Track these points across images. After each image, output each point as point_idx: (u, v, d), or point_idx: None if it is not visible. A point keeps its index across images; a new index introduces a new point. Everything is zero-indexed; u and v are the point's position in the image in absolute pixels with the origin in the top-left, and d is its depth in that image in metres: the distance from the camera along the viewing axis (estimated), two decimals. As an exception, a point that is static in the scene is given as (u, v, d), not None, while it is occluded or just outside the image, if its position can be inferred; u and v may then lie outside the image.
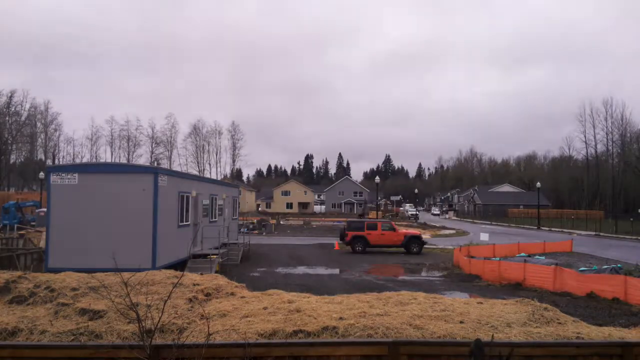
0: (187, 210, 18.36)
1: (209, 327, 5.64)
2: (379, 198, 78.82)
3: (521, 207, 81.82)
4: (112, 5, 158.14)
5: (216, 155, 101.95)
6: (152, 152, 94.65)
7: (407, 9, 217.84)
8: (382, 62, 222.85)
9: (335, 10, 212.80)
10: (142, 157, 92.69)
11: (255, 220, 49.44)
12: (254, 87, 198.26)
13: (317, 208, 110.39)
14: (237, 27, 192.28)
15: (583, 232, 46.71)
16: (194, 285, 9.06)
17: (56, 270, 11.17)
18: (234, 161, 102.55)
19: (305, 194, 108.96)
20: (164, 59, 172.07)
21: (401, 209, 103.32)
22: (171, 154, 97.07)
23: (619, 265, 18.22)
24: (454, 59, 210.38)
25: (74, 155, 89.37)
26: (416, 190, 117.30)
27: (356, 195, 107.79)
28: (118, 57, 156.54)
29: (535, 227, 55.17)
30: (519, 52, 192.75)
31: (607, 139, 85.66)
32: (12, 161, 78.09)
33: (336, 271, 19.22)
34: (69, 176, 15.39)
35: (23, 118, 78.76)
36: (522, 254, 22.12)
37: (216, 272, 15.81)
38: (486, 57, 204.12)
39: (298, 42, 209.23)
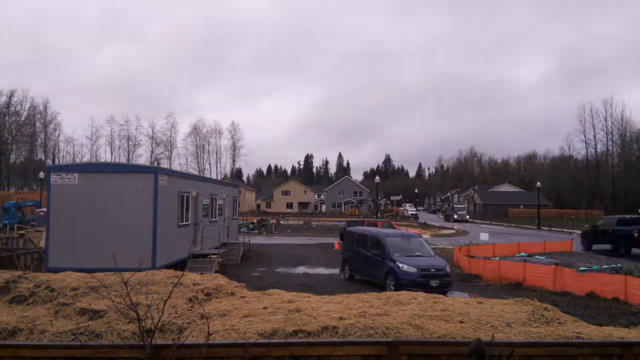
0: (187, 210, 18.36)
1: (209, 327, 5.63)
2: (379, 198, 78.78)
3: (521, 207, 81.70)
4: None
5: (216, 155, 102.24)
6: (152, 152, 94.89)
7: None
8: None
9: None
10: (142, 157, 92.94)
11: (255, 220, 49.44)
12: (253, 86, 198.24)
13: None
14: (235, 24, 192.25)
15: (583, 232, 46.64)
16: (194, 285, 9.05)
17: (56, 270, 11.17)
18: (234, 161, 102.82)
19: (305, 194, 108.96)
20: (165, 58, 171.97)
21: (401, 208, 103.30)
22: (171, 153, 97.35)
23: (619, 265, 18.24)
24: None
25: (73, 155, 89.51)
26: (416, 190, 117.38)
27: (356, 195, 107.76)
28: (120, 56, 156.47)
29: (535, 227, 55.15)
30: (517, 52, 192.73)
31: (607, 139, 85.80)
32: (12, 161, 78.10)
33: (336, 271, 19.22)
34: (69, 176, 15.39)
35: (23, 118, 78.84)
36: (522, 254, 22.14)
37: (216, 272, 15.81)
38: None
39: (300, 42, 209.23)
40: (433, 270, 14.56)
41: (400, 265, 14.59)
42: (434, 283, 14.00)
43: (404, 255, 15.15)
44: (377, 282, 15.47)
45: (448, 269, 15.12)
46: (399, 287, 13.73)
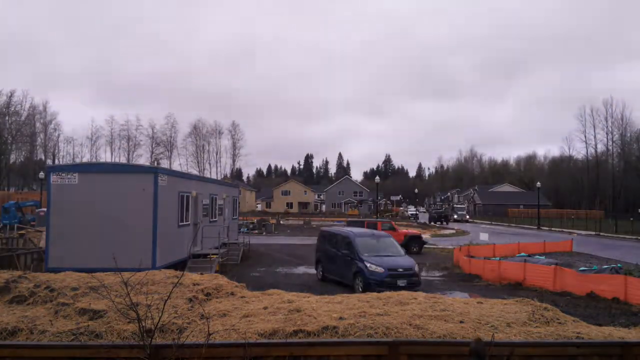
0: (187, 210, 18.36)
1: (209, 327, 5.64)
2: (379, 198, 78.78)
3: (521, 207, 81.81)
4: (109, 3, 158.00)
5: (216, 155, 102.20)
6: (152, 152, 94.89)
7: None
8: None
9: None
10: (142, 157, 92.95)
11: (255, 220, 49.44)
12: (252, 87, 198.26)
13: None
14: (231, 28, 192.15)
15: (583, 232, 46.71)
16: (194, 285, 9.05)
17: (56, 270, 11.17)
18: (234, 161, 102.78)
19: (305, 194, 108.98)
20: (164, 57, 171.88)
21: (401, 208, 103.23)
22: (171, 154, 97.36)
23: (619, 265, 18.22)
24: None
25: (73, 155, 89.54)
26: (416, 190, 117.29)
27: (356, 195, 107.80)
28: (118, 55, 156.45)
29: (535, 227, 55.16)
30: (519, 51, 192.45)
31: (607, 139, 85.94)
32: (12, 161, 78.14)
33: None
34: (69, 176, 15.39)
35: (23, 118, 78.87)
36: (522, 254, 22.13)
37: (216, 272, 15.81)
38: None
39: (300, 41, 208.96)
40: (401, 270, 14.48)
41: (368, 265, 14.49)
42: (401, 283, 13.86)
43: (372, 255, 15.03)
44: (346, 283, 15.35)
45: (416, 269, 14.96)
46: (366, 287, 13.76)
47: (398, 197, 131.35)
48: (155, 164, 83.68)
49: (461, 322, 6.90)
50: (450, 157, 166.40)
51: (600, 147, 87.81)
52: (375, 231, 18.99)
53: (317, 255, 18.05)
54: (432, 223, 62.96)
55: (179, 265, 16.30)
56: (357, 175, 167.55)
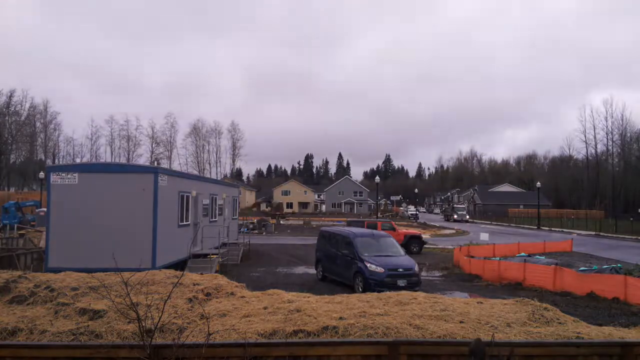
0: (187, 210, 18.36)
1: (209, 327, 5.64)
2: (379, 198, 78.76)
3: (521, 207, 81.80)
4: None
5: (216, 155, 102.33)
6: (152, 152, 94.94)
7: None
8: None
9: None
10: (142, 157, 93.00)
11: (255, 220, 49.44)
12: (253, 86, 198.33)
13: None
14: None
15: (583, 232, 46.72)
16: (194, 285, 9.05)
17: (56, 270, 11.17)
18: (234, 161, 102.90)
19: (305, 194, 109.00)
20: (163, 56, 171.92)
21: (401, 208, 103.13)
22: (171, 153, 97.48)
23: (619, 265, 18.23)
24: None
25: (73, 155, 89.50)
26: (416, 190, 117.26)
27: (356, 195, 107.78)
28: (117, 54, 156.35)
29: (535, 227, 55.16)
30: (520, 48, 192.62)
31: (607, 139, 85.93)
32: (12, 161, 78.08)
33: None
34: (69, 176, 15.39)
35: (23, 118, 78.83)
36: (522, 254, 22.13)
37: (216, 271, 15.83)
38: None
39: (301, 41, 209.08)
40: (401, 270, 14.48)
41: (368, 265, 14.50)
42: (401, 283, 13.88)
43: (372, 255, 15.04)
44: (346, 283, 15.36)
45: (416, 269, 14.95)
46: (366, 287, 13.77)
47: (398, 197, 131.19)
48: (155, 164, 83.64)
49: (461, 322, 6.90)
50: (450, 157, 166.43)
51: (600, 147, 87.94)
52: (375, 231, 18.98)
53: (317, 255, 18.04)
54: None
55: (179, 265, 16.30)
56: (357, 175, 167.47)
